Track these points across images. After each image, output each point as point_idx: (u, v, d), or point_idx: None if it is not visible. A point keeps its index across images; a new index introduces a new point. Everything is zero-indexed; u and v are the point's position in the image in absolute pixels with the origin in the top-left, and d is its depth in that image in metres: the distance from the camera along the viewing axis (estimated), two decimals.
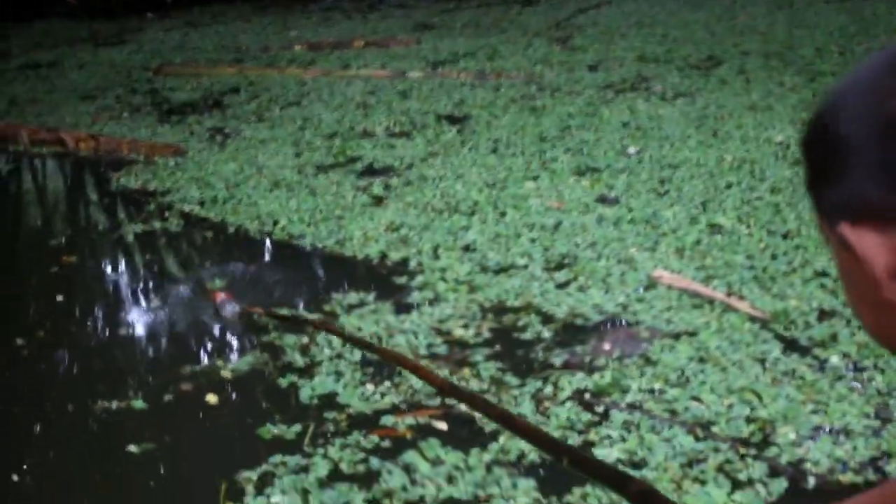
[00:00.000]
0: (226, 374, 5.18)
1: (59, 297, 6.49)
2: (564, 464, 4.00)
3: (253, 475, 4.21)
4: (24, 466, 4.50)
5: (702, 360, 4.91)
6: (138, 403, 4.93)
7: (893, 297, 0.96)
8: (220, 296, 6.03)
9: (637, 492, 3.77)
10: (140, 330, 5.96)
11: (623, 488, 3.82)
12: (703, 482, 3.96)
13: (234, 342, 5.62)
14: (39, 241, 8.06)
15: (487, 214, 7.23)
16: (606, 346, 5.13)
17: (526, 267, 6.24)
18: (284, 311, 5.73)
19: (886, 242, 0.95)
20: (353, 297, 5.96)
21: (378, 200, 7.78)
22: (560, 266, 6.25)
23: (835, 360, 4.76)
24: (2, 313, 6.38)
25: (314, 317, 5.73)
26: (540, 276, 6.08)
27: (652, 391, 4.67)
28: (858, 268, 0.99)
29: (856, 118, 0.98)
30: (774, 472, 4.03)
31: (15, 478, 4.42)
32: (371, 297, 5.95)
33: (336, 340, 5.38)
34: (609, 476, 3.95)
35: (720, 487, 3.91)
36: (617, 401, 4.61)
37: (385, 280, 6.25)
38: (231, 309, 5.89)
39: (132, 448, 4.55)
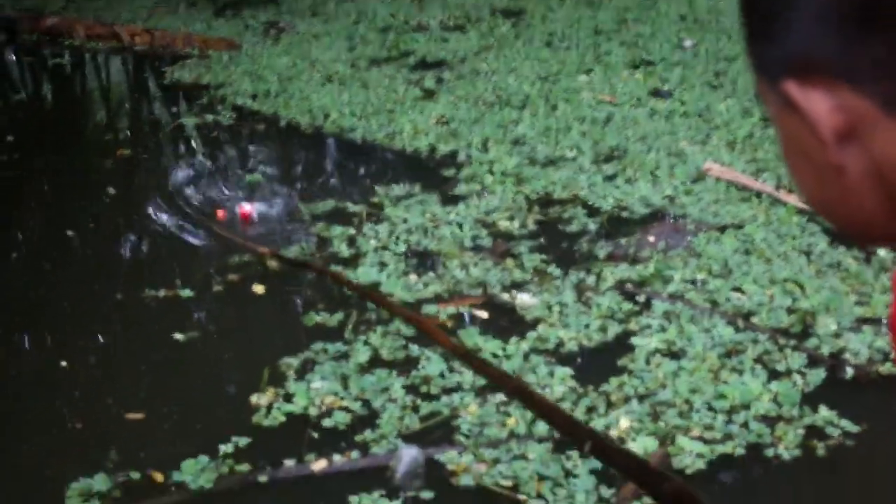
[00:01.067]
0: (272, 264, 5.23)
1: (112, 190, 6.56)
2: (586, 450, 3.35)
3: (295, 361, 4.27)
4: (74, 353, 4.59)
5: (746, 252, 4.89)
6: (186, 293, 4.98)
7: (841, 162, 0.91)
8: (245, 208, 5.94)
9: (671, 493, 3.10)
10: (190, 221, 6.01)
11: (656, 487, 3.14)
12: (740, 372, 3.96)
13: (283, 233, 5.66)
14: (94, 134, 8.14)
15: (538, 108, 7.19)
16: (651, 238, 5.11)
17: (574, 160, 6.22)
18: (291, 256, 5.60)
19: (836, 101, 0.87)
20: (400, 188, 5.97)
21: (429, 94, 7.76)
22: (609, 159, 6.22)
23: (881, 252, 4.72)
24: (55, 206, 6.46)
25: (359, 208, 5.75)
26: (588, 169, 6.06)
27: (694, 282, 4.66)
28: (803, 131, 0.91)
29: None
30: (813, 362, 4.03)
31: (64, 363, 4.50)
32: (418, 188, 5.95)
33: (383, 231, 5.41)
34: (639, 471, 3.26)
35: (757, 377, 3.91)
36: (658, 291, 4.61)
37: (433, 172, 6.25)
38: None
39: (178, 336, 4.62)
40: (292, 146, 7.08)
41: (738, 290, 4.56)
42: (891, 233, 0.97)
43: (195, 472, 3.63)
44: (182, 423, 3.99)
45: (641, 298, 4.57)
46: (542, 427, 3.71)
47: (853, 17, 0.87)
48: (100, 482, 3.62)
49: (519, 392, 3.70)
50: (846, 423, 3.65)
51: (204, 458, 3.69)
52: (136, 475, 3.66)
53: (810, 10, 0.88)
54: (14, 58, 10.17)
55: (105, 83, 9.57)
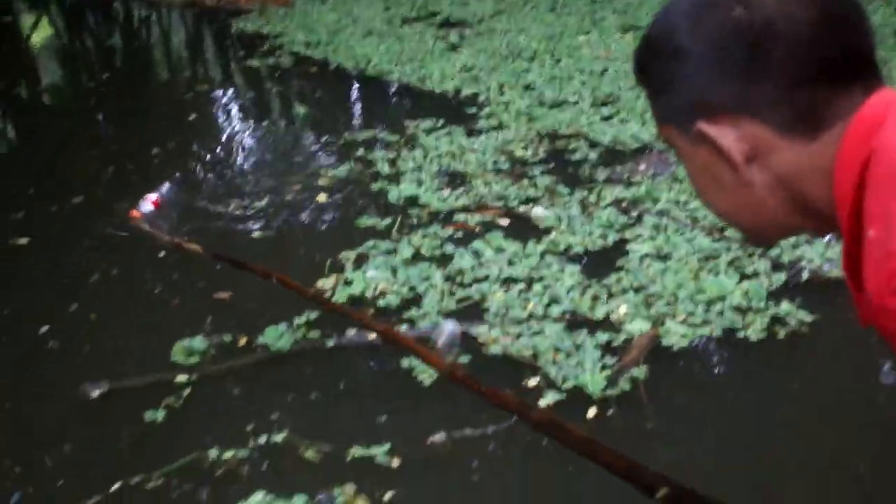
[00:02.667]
0: (325, 181, 5.34)
1: (192, 116, 6.65)
2: (659, 496, 2.61)
3: (352, 255, 4.39)
4: (172, 250, 4.69)
5: None
6: (259, 204, 5.09)
7: (749, 179, 1.01)
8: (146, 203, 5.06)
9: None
10: (259, 143, 6.12)
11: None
12: (716, 273, 4.08)
13: (334, 156, 5.75)
14: (175, 73, 8.20)
15: (545, 60, 7.25)
16: (642, 167, 5.22)
17: (576, 103, 6.30)
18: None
19: (741, 132, 0.99)
20: (430, 122, 6.06)
21: (454, 47, 7.82)
22: (605, 103, 6.30)
23: None
24: (140, 128, 6.55)
25: (396, 137, 5.85)
26: (588, 111, 6.14)
27: (678, 202, 4.77)
28: (714, 159, 1.02)
29: (702, 29, 0.98)
30: (776, 266, 4.15)
31: (162, 254, 4.61)
32: (446, 122, 6.04)
33: (418, 155, 5.51)
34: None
35: (730, 277, 4.03)
36: (649, 208, 4.72)
37: (458, 110, 6.34)
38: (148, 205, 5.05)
39: (256, 234, 4.74)
40: (340, 85, 7.16)
41: None
42: (796, 225, 1.08)
43: (275, 337, 3.76)
44: (262, 301, 4.11)
45: (634, 214, 4.68)
46: (556, 309, 3.85)
47: (746, 68, 0.97)
48: (198, 343, 3.76)
49: (548, 426, 3.05)
50: (802, 314, 3.77)
51: (283, 326, 3.82)
52: (227, 338, 3.80)
53: (714, 66, 0.98)
54: (108, 11, 10.20)
55: (181, 33, 9.61)
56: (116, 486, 3.05)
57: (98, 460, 3.20)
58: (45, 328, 3.99)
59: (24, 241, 4.81)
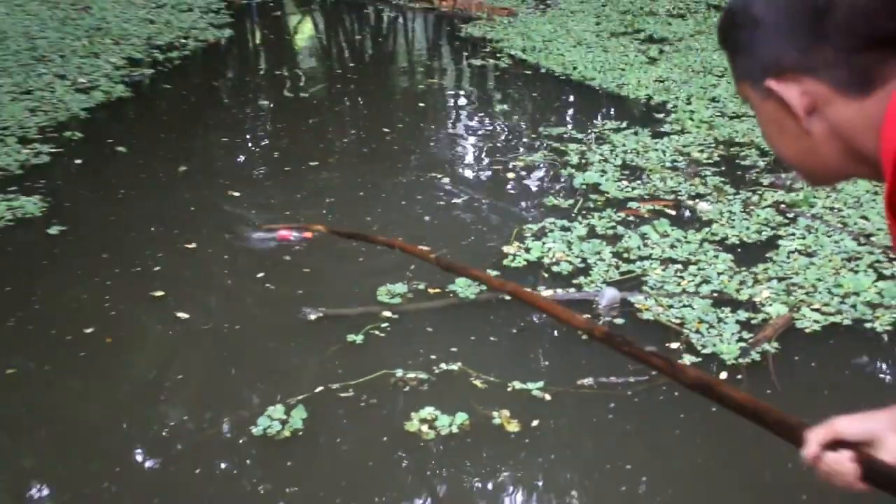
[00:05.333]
0: (519, 164, 5.55)
1: (421, 104, 6.98)
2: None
3: (534, 227, 4.59)
4: (385, 221, 5.01)
5: (875, 193, 4.92)
6: (444, 179, 5.35)
7: (809, 129, 1.06)
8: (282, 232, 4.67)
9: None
10: (468, 128, 6.39)
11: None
12: (856, 272, 4.07)
13: (529, 145, 5.95)
14: (412, 66, 8.57)
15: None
16: None
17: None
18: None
19: (803, 88, 1.04)
20: (622, 123, 6.18)
21: (652, 60, 7.86)
22: None
23: None
24: (381, 113, 6.92)
25: (588, 134, 6.00)
26: None
27: (832, 209, 4.74)
28: (780, 112, 1.07)
29: (773, 2, 1.04)
30: None
31: (374, 226, 4.94)
32: (635, 124, 6.15)
33: (606, 150, 5.65)
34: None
35: (868, 277, 4.01)
36: (804, 211, 4.71)
37: (647, 115, 6.42)
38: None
39: (455, 200, 5.01)
40: (548, 86, 7.34)
41: (864, 217, 4.62)
42: (848, 172, 1.11)
43: (465, 286, 4.01)
44: (454, 258, 4.37)
45: (790, 215, 4.69)
46: (706, 288, 3.94)
47: (810, 35, 1.03)
48: (399, 287, 4.05)
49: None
50: None
51: None
52: (421, 285, 4.08)
53: (781, 33, 1.05)
54: (361, 12, 10.69)
55: (418, 33, 10.00)
56: (319, 388, 3.37)
57: (307, 367, 3.53)
58: (261, 274, 4.37)
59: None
